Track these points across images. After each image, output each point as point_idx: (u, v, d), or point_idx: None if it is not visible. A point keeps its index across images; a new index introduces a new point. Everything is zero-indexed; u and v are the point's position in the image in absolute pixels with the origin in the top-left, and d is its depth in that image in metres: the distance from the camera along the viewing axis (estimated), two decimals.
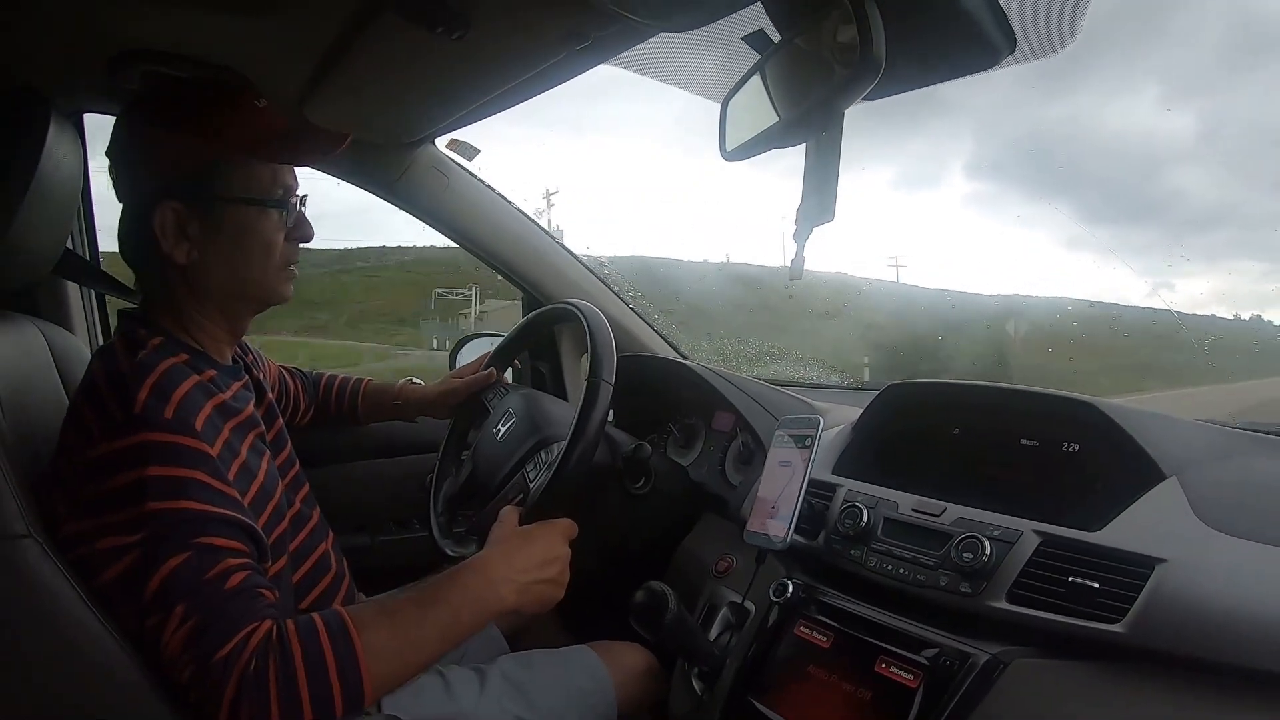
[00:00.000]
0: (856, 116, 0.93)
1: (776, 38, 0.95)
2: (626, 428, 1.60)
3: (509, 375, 1.76)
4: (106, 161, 1.12)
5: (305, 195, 1.18)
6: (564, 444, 1.24)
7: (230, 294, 1.12)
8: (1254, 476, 1.00)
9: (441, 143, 1.72)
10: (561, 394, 1.94)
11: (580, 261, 1.94)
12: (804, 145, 0.92)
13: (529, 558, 1.06)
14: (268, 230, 1.11)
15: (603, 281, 1.95)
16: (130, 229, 1.10)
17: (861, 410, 1.35)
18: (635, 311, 1.98)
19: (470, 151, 1.72)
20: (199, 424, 0.97)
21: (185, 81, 1.17)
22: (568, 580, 1.08)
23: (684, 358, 1.96)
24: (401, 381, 1.67)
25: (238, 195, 1.09)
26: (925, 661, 0.94)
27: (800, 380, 2.08)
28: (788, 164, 0.98)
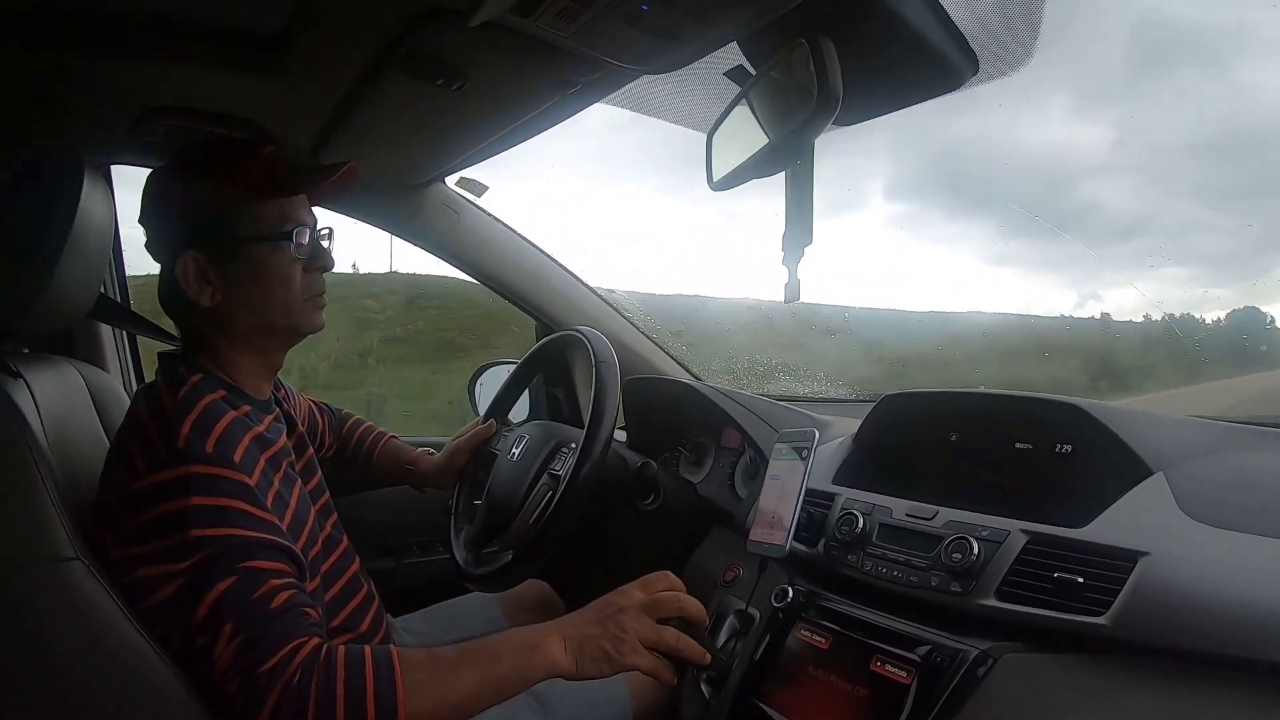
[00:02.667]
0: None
1: (754, 72, 1.00)
2: (641, 448, 1.65)
3: (525, 402, 1.82)
4: (134, 209, 1.17)
5: (330, 229, 1.22)
6: (583, 436, 1.31)
7: (258, 330, 1.17)
8: (1239, 469, 1.02)
9: (451, 181, 1.77)
10: (577, 419, 1.97)
11: (590, 289, 1.99)
12: (783, 175, 0.97)
13: (586, 610, 1.03)
14: (281, 264, 1.15)
15: (613, 307, 2.00)
16: (163, 280, 1.17)
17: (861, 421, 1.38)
18: (646, 335, 2.03)
19: (479, 188, 1.77)
20: (238, 456, 1.02)
21: (202, 134, 1.24)
22: (638, 640, 0.99)
23: (696, 378, 2.00)
24: (420, 450, 1.69)
25: (249, 234, 1.13)
26: (918, 659, 0.96)
27: (806, 395, 2.12)
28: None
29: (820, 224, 0.95)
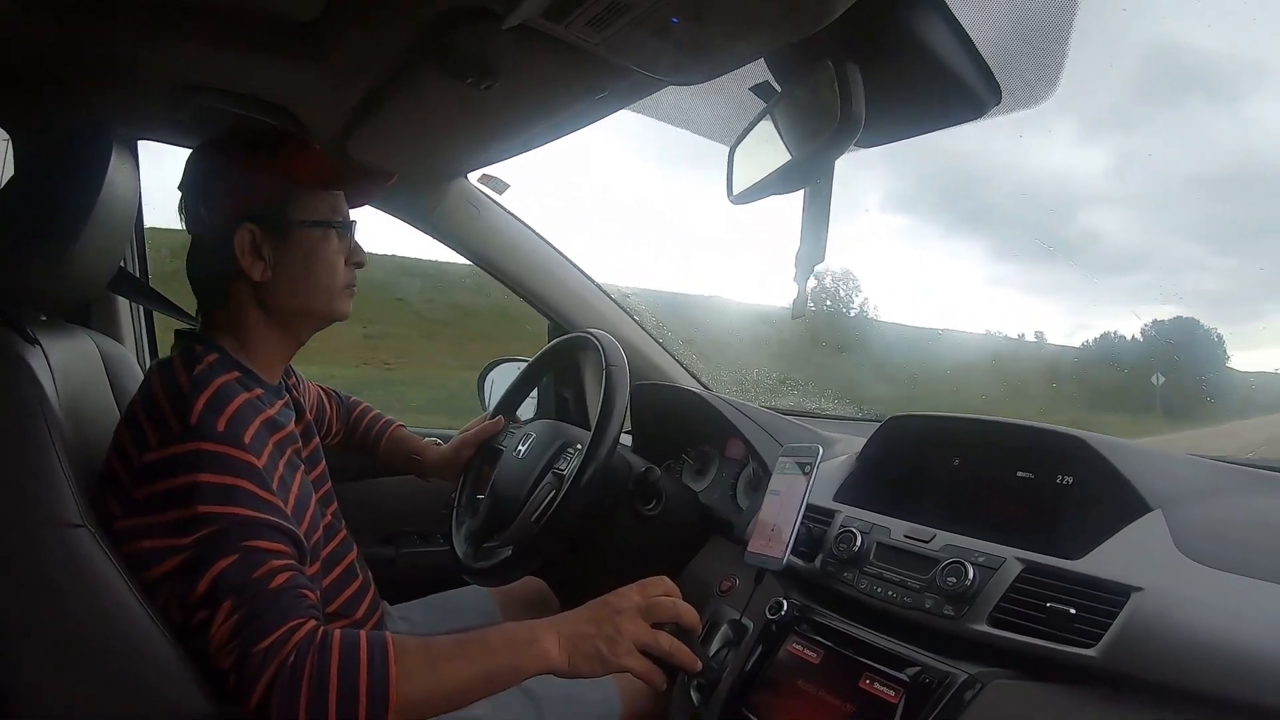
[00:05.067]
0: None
1: (779, 89, 1.01)
2: (645, 453, 1.66)
3: (533, 400, 1.83)
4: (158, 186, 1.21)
5: (355, 221, 1.28)
6: (589, 437, 1.32)
7: (296, 311, 1.22)
8: (1238, 511, 1.02)
9: (474, 177, 1.79)
10: (584, 421, 1.98)
11: (604, 292, 2.00)
12: (801, 192, 0.98)
13: (583, 609, 1.04)
14: (330, 252, 1.22)
15: (626, 311, 2.01)
16: (204, 253, 1.20)
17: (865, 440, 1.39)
18: (657, 341, 2.04)
19: (500, 185, 1.78)
20: (248, 437, 1.04)
21: (256, 122, 1.28)
22: (632, 643, 1.00)
23: (705, 387, 2.01)
24: (426, 440, 1.71)
25: (307, 219, 1.19)
26: (906, 679, 0.96)
27: (812, 410, 2.12)
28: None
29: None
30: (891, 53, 0.87)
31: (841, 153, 0.89)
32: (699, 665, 1.04)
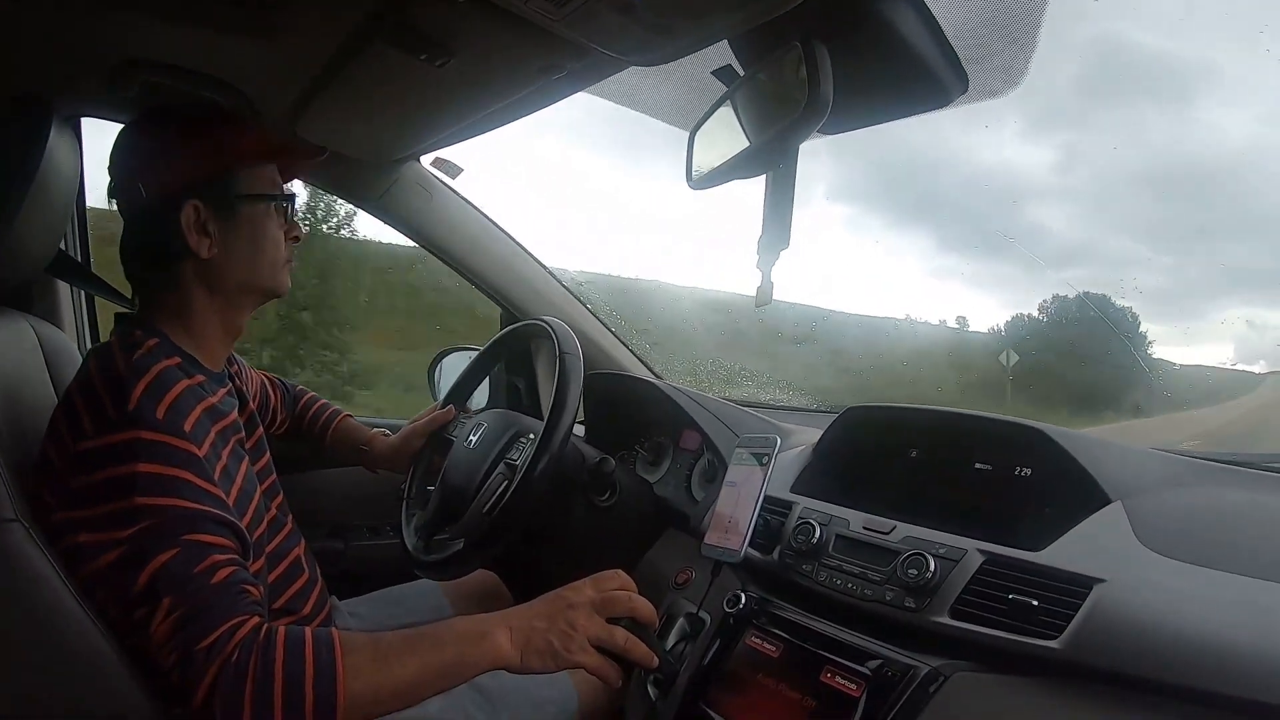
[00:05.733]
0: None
1: (742, 73, 0.99)
2: (599, 444, 1.64)
3: (486, 388, 1.80)
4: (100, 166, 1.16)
5: (294, 195, 1.25)
6: (543, 427, 1.30)
7: (242, 287, 1.18)
8: (1197, 503, 1.03)
9: (426, 161, 1.75)
10: (536, 410, 1.95)
11: (558, 280, 1.97)
12: (763, 177, 0.96)
13: (536, 603, 1.00)
14: (272, 225, 1.18)
15: (579, 300, 1.99)
16: (143, 234, 1.15)
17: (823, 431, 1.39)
18: (611, 330, 2.02)
19: (453, 169, 1.75)
20: (189, 426, 1.00)
21: (196, 97, 1.24)
22: (586, 638, 0.96)
23: (657, 377, 1.99)
24: (375, 430, 1.67)
25: (249, 192, 1.15)
26: (868, 672, 0.96)
27: (767, 402, 2.12)
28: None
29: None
30: (859, 37, 0.86)
31: (807, 136, 0.88)
32: (655, 661, 1.02)
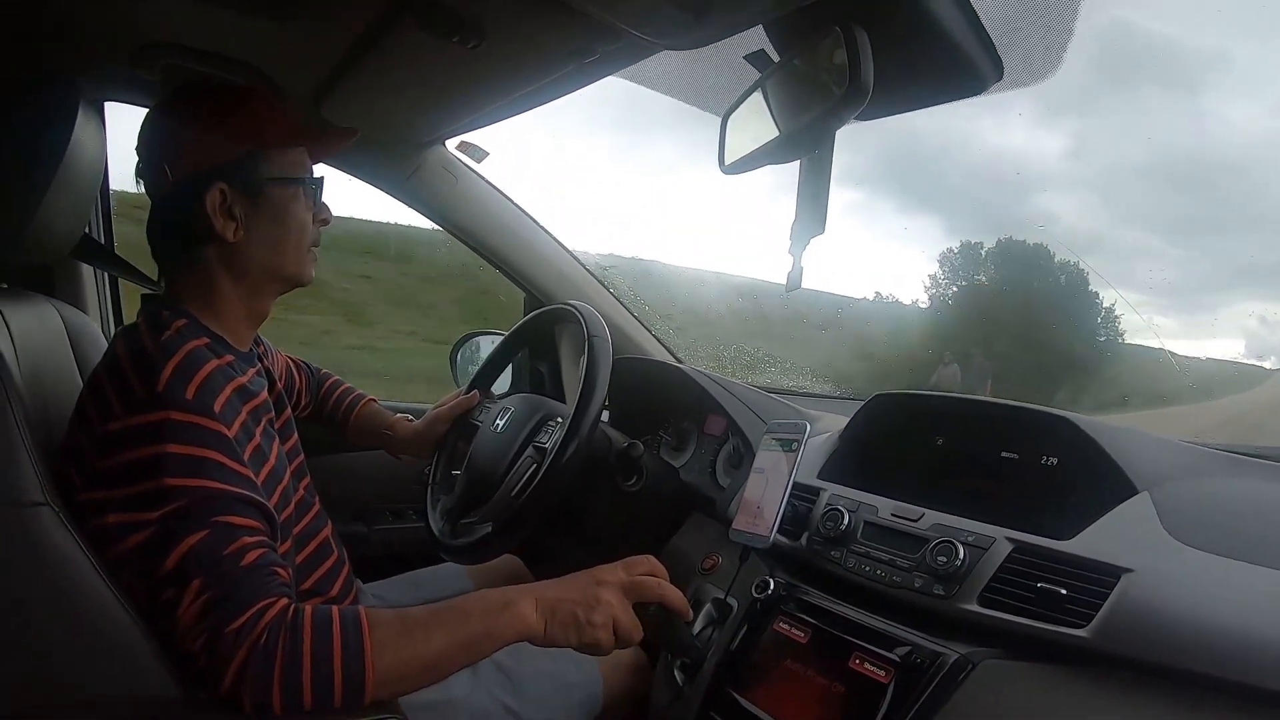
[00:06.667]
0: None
1: (776, 58, 0.98)
2: (623, 428, 1.64)
3: (508, 374, 1.80)
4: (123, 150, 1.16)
5: (322, 178, 1.22)
6: (572, 412, 1.29)
7: (267, 272, 1.16)
8: (1223, 494, 1.03)
9: (451, 145, 1.75)
10: (559, 396, 1.96)
11: (582, 264, 1.97)
12: (797, 163, 0.96)
13: (565, 579, 1.01)
14: (299, 209, 1.16)
15: (603, 284, 1.99)
16: (169, 216, 1.14)
17: (849, 418, 1.38)
18: (634, 315, 2.02)
19: (479, 154, 1.75)
20: (218, 406, 0.99)
21: (221, 79, 1.22)
22: (615, 619, 0.97)
23: (680, 362, 2.00)
24: (398, 415, 1.67)
25: (277, 175, 1.13)
26: (897, 659, 0.96)
27: (791, 388, 2.12)
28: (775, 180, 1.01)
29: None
30: (896, 22, 0.85)
31: (846, 121, 0.87)
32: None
